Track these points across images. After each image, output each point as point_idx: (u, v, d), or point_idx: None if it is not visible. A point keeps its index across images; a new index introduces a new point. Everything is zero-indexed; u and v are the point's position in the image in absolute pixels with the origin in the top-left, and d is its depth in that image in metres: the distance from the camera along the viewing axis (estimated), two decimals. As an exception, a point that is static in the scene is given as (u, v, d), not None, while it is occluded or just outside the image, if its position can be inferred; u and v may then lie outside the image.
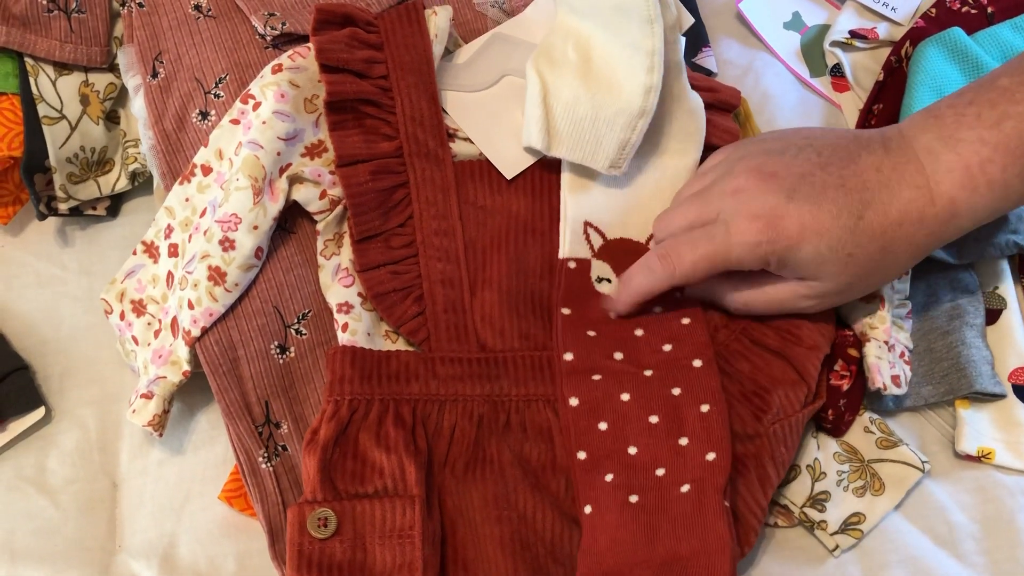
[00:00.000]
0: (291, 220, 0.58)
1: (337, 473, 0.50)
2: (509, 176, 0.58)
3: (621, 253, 0.57)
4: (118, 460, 0.59)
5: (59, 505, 0.57)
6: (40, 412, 0.58)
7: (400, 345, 0.56)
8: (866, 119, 0.67)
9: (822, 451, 0.57)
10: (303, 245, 0.57)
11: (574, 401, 0.52)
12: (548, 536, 0.51)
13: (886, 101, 0.67)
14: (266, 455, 0.54)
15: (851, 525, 0.55)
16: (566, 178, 0.58)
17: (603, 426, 0.52)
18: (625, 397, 0.52)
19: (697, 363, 0.53)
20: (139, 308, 0.58)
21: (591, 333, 0.54)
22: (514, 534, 0.50)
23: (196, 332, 0.54)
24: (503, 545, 0.50)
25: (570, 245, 0.57)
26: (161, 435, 0.55)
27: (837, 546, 0.55)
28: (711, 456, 0.50)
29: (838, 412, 0.57)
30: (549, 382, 0.54)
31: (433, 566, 0.49)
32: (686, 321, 0.55)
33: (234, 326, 0.55)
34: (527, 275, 0.56)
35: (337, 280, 0.56)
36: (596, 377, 0.53)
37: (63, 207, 0.62)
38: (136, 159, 0.63)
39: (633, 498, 0.50)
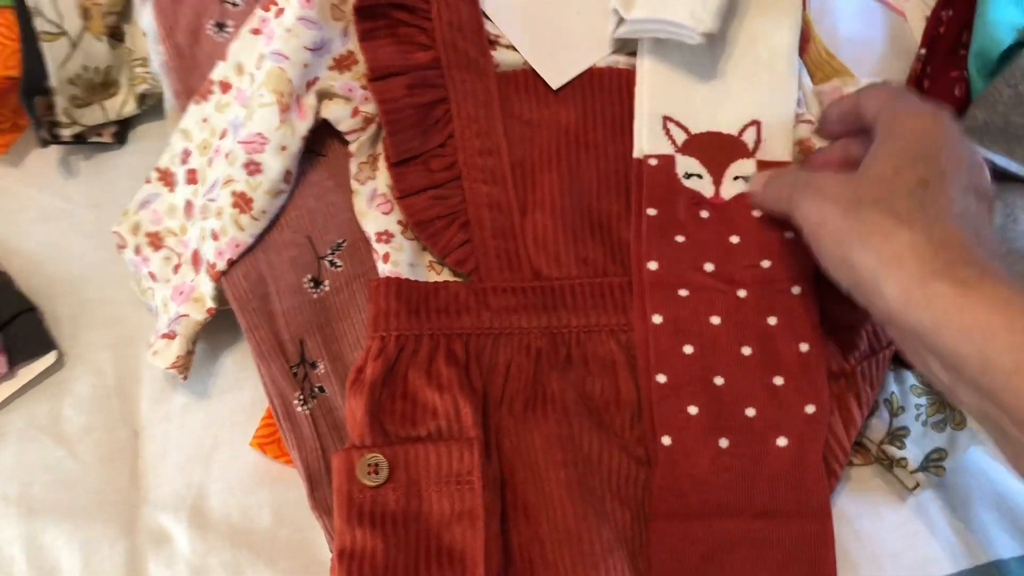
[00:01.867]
0: (321, 142, 0.52)
1: (386, 415, 0.46)
2: (556, 86, 0.52)
3: (712, 148, 0.51)
4: (138, 407, 0.54)
5: (77, 456, 0.53)
6: (52, 357, 0.54)
7: (446, 276, 0.51)
8: (935, 28, 0.62)
9: (898, 384, 0.53)
10: (335, 169, 0.52)
11: (657, 319, 0.48)
12: (615, 479, 0.47)
13: (957, 8, 0.62)
14: (302, 397, 0.50)
15: (933, 462, 0.52)
16: (644, 66, 0.52)
17: (688, 350, 0.48)
18: (715, 320, 0.48)
19: (796, 290, 0.48)
20: (156, 241, 0.53)
21: (679, 239, 0.50)
22: (580, 478, 0.46)
23: (222, 265, 0.49)
24: (568, 489, 0.46)
25: (648, 141, 0.51)
26: (185, 378, 0.51)
27: (918, 484, 0.52)
28: (810, 409, 0.46)
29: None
30: (612, 311, 0.49)
31: (495, 513, 0.45)
32: (789, 235, 0.50)
33: (263, 258, 0.50)
34: (582, 194, 0.51)
35: (374, 207, 0.51)
36: (683, 293, 0.48)
37: (66, 133, 0.56)
38: (145, 79, 0.57)
39: (723, 442, 0.46)
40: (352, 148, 0.51)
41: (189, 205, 0.52)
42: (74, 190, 0.58)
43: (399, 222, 0.51)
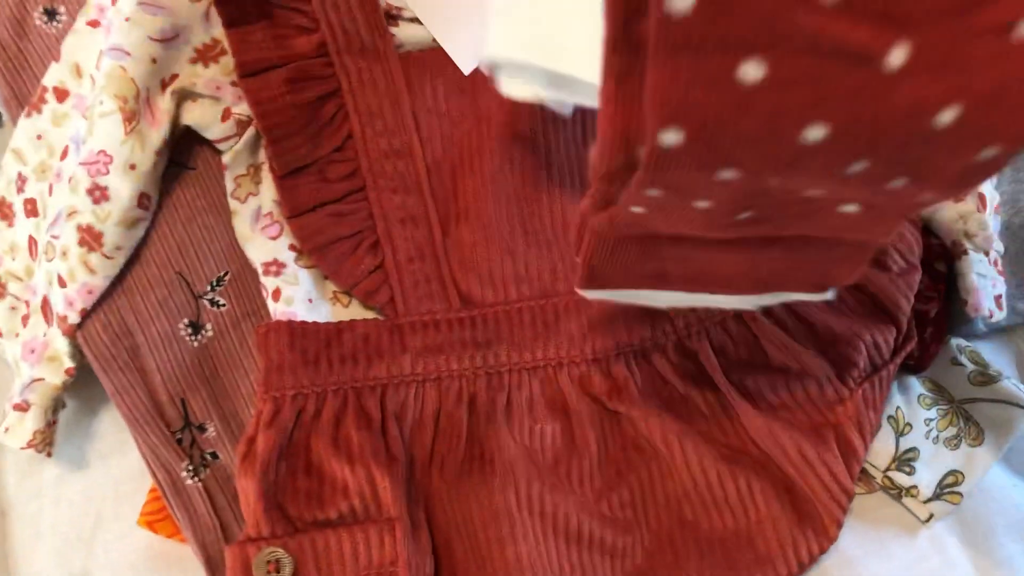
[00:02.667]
0: (187, 152, 0.42)
1: (287, 496, 0.37)
2: (467, 70, 0.42)
3: None
4: (3, 482, 0.45)
5: (-69, 548, 0.44)
6: None
7: (355, 312, 0.42)
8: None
9: (903, 394, 0.45)
10: (208, 185, 0.43)
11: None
12: (574, 549, 0.39)
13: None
14: (191, 468, 0.41)
15: (947, 488, 0.44)
16: None
17: None
18: None
19: None
20: None
21: None
22: (534, 546, 0.38)
23: (74, 317, 0.40)
24: (519, 561, 0.38)
25: None
26: (50, 455, 0.42)
27: (932, 515, 0.44)
28: None
29: (923, 344, 0.44)
30: (561, 341, 0.41)
31: None
32: None
33: (126, 304, 0.41)
34: (515, 198, 0.42)
35: (259, 230, 0.41)
36: None
37: None
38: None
39: None
40: (226, 159, 0.42)
41: (33, 242, 0.42)
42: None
43: (291, 247, 0.41)
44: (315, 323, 0.40)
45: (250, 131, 0.41)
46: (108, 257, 0.40)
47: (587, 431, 0.40)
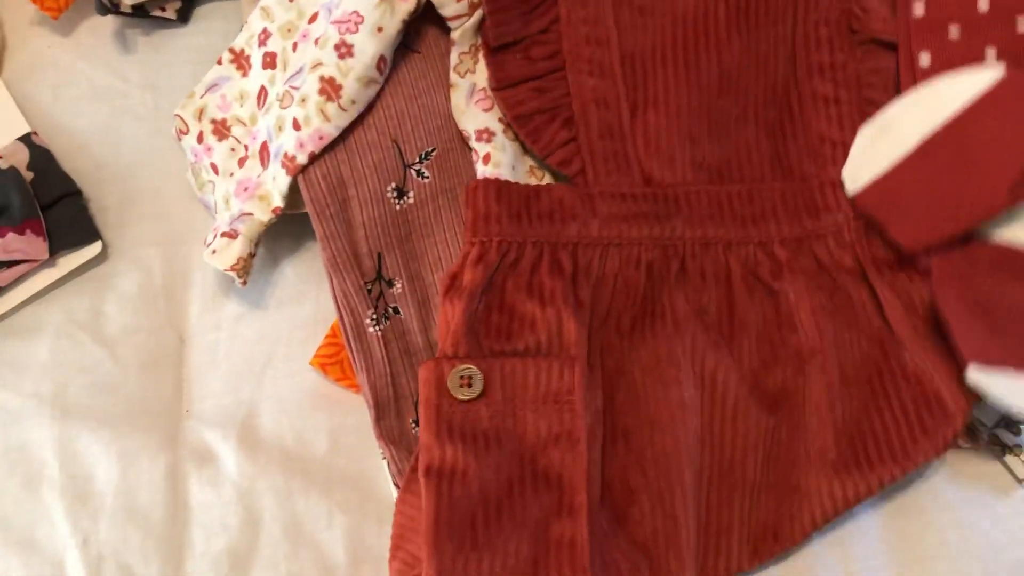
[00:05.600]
0: (416, 36, 0.47)
1: (482, 328, 0.41)
2: None
3: None
4: (187, 311, 0.49)
5: (117, 358, 0.48)
6: (96, 247, 0.49)
7: (548, 182, 0.46)
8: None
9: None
10: (429, 68, 0.47)
11: (925, 60, 0.43)
12: (731, 402, 0.43)
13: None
14: (375, 316, 0.45)
15: (1049, 452, 0.48)
16: None
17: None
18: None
19: None
20: (221, 129, 0.48)
21: None
22: (689, 399, 0.42)
23: (302, 158, 0.44)
24: (680, 409, 0.42)
25: None
26: (245, 283, 0.46)
27: (1030, 474, 0.48)
28: None
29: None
30: (730, 223, 0.45)
31: (596, 436, 0.41)
32: None
33: (344, 160, 0.45)
34: (701, 90, 0.46)
35: (474, 103, 0.46)
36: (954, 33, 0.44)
37: (127, 2, 0.51)
38: (218, -48, 0.52)
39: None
40: (454, 36, 0.46)
41: (263, 92, 0.47)
42: (129, 68, 0.53)
43: (501, 120, 0.46)
44: (518, 183, 0.44)
45: (477, 13, 0.46)
46: (343, 109, 0.44)
47: (748, 308, 0.44)
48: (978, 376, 0.41)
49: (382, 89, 0.46)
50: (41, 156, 0.49)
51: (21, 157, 0.49)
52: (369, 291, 0.45)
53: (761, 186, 0.45)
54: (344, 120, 0.44)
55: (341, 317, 0.45)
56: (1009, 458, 0.48)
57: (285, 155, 0.44)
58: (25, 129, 0.50)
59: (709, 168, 0.46)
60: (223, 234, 0.46)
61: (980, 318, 0.43)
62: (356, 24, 0.43)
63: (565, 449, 0.40)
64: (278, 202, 0.45)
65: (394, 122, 0.46)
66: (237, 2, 0.52)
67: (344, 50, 0.43)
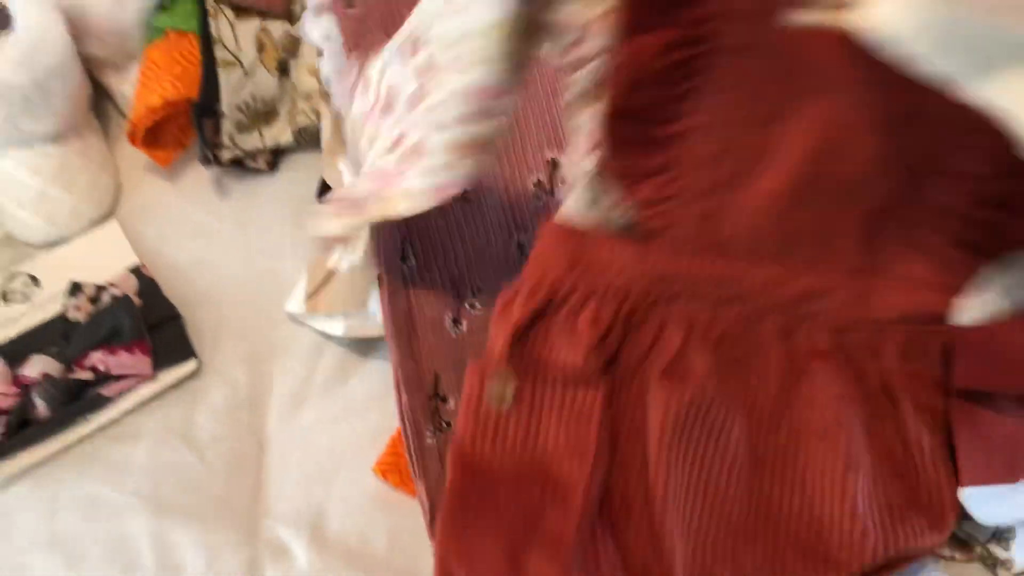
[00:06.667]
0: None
1: (521, 351, 0.46)
2: None
3: None
4: (265, 421, 0.57)
5: (205, 461, 0.55)
6: (192, 365, 0.57)
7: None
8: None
9: (1005, 484, 0.54)
10: (482, 213, 0.55)
11: None
12: (728, 464, 0.47)
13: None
14: (432, 429, 0.52)
15: (1037, 566, 0.52)
16: None
17: None
18: None
19: None
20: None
21: None
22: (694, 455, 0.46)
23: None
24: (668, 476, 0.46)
25: None
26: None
27: (1020, 586, 0.52)
28: None
29: None
30: (787, 307, 0.46)
31: (603, 454, 0.45)
32: None
33: (412, 293, 0.53)
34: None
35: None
36: None
37: (226, 156, 0.60)
38: (304, 112, 0.61)
39: None
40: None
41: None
42: (225, 209, 0.62)
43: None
44: (584, 232, 0.46)
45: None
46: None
47: (780, 364, 0.46)
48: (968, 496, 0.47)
49: (443, 238, 0.54)
50: (148, 285, 0.58)
51: (131, 285, 0.57)
52: (428, 407, 0.52)
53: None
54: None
55: (404, 430, 0.52)
56: (1000, 571, 0.52)
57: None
58: (134, 261, 0.59)
59: (801, 254, 0.45)
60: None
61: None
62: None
63: (576, 464, 0.44)
64: (402, 211, 0.46)
65: (454, 262, 0.54)
66: (319, 154, 0.61)
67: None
